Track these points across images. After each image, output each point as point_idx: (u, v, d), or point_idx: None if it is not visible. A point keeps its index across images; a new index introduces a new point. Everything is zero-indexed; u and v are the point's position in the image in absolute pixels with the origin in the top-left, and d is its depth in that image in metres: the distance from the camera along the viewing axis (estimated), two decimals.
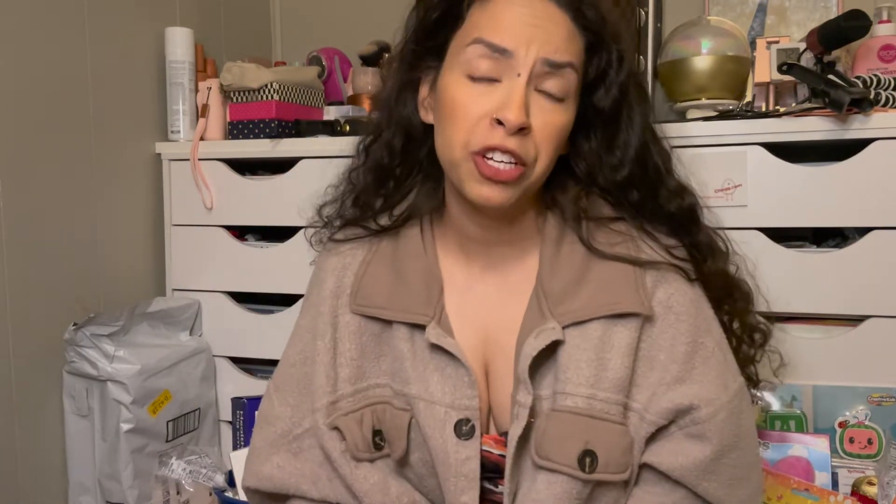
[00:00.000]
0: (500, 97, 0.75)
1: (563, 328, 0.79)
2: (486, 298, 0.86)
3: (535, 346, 0.78)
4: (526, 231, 0.86)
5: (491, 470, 0.82)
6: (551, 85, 0.76)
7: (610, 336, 0.79)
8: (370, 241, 0.90)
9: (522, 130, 0.75)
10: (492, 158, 0.76)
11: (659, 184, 0.85)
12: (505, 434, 0.82)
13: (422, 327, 0.82)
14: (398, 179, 0.89)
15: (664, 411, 0.79)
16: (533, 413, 0.78)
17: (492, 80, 0.76)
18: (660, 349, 0.81)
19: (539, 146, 0.77)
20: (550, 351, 0.79)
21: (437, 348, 0.81)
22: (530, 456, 0.78)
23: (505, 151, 0.75)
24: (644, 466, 0.81)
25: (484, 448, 0.81)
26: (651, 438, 0.80)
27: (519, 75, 0.75)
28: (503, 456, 0.81)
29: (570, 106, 0.79)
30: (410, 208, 0.89)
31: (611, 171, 0.84)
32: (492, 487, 0.83)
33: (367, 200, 0.90)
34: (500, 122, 0.75)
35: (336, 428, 0.84)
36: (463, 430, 0.79)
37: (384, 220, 0.89)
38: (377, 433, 0.84)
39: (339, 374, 0.85)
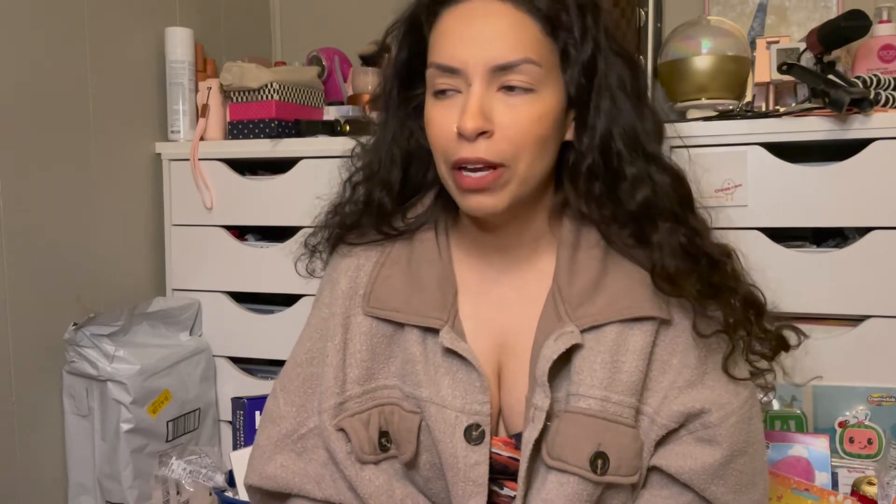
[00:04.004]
0: (459, 109, 0.76)
1: (581, 332, 0.79)
2: (501, 302, 0.86)
3: (555, 349, 0.78)
4: (539, 232, 0.85)
5: (498, 471, 0.82)
6: (512, 81, 0.75)
7: (625, 339, 0.79)
8: (383, 243, 0.89)
9: (484, 134, 0.75)
10: (467, 169, 0.76)
11: (619, 175, 0.79)
12: (514, 436, 0.82)
13: (435, 331, 0.82)
14: (399, 207, 0.89)
15: (675, 415, 0.79)
16: (548, 416, 0.78)
17: (454, 94, 0.77)
18: (673, 353, 0.80)
19: (514, 143, 0.75)
20: (566, 354, 0.79)
21: (450, 352, 0.81)
22: (542, 457, 0.78)
23: (475, 161, 0.75)
24: (652, 469, 0.81)
25: (493, 450, 0.81)
26: (660, 442, 0.80)
27: (471, 84, 0.75)
28: (512, 458, 0.81)
29: (543, 95, 0.76)
30: (426, 215, 0.89)
31: (579, 160, 0.81)
32: (496, 489, 0.83)
33: (364, 230, 0.90)
34: (461, 134, 0.75)
35: (342, 429, 0.84)
36: (473, 434, 0.79)
37: (398, 223, 0.89)
38: (383, 434, 0.84)
39: (347, 376, 0.85)
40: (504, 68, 0.74)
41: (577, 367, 0.79)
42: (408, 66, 0.83)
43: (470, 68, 0.75)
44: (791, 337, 0.85)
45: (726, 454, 0.79)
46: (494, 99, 0.75)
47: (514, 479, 0.81)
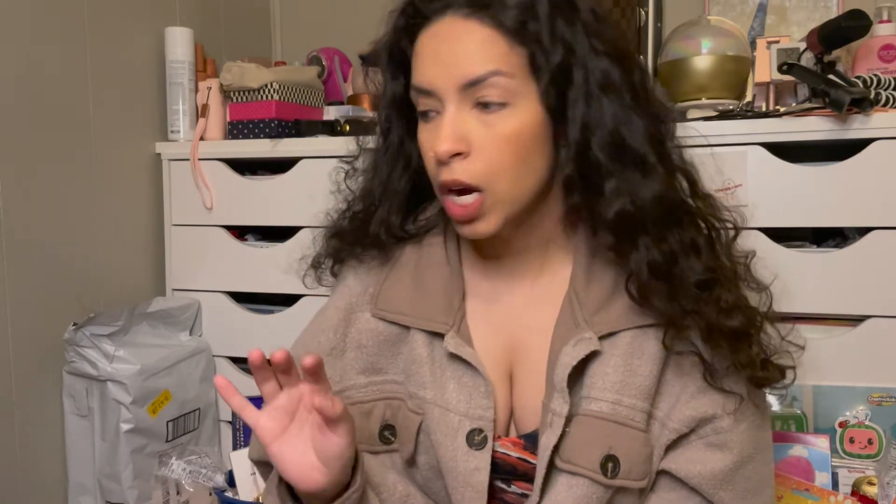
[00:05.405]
0: (435, 132, 0.76)
1: (599, 338, 0.79)
2: (513, 305, 0.85)
3: (574, 355, 0.77)
4: (550, 236, 0.84)
5: (507, 472, 0.82)
6: (485, 96, 0.74)
7: (640, 343, 0.79)
8: (392, 246, 0.89)
9: (459, 156, 0.75)
10: (453, 193, 0.77)
11: (597, 187, 0.76)
12: (524, 437, 0.82)
13: (441, 335, 0.82)
14: (404, 230, 0.89)
15: (686, 419, 0.78)
16: (567, 420, 0.77)
17: (435, 115, 0.77)
18: (686, 358, 0.80)
19: (491, 163, 0.75)
20: (582, 359, 0.79)
21: (455, 357, 0.81)
22: (553, 460, 0.78)
23: (453, 184, 0.75)
24: (661, 473, 0.80)
25: (502, 451, 0.81)
26: (671, 446, 0.80)
27: (445, 105, 0.75)
28: (521, 459, 0.81)
29: (520, 108, 0.75)
30: (434, 219, 0.89)
31: (558, 172, 0.79)
32: (504, 486, 0.83)
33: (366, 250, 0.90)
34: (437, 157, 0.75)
35: None
36: (475, 440, 0.79)
37: (408, 226, 0.89)
38: (387, 427, 0.84)
39: (347, 365, 0.86)
40: (473, 84, 0.73)
41: (591, 371, 0.79)
42: (399, 90, 0.83)
43: (441, 89, 0.75)
44: (787, 362, 0.82)
45: (736, 460, 0.78)
46: (470, 117, 0.75)
47: (522, 479, 0.81)
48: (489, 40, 0.74)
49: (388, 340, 0.86)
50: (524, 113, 0.75)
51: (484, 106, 0.74)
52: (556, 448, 0.77)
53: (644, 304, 0.77)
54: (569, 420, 0.78)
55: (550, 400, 0.78)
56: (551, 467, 0.78)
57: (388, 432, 0.84)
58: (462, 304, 0.84)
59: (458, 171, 0.75)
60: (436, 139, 0.75)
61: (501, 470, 0.81)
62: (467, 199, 0.76)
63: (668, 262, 0.76)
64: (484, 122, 0.75)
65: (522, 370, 0.84)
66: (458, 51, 0.74)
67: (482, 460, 0.79)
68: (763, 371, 0.79)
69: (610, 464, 0.76)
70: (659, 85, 1.52)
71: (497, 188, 0.75)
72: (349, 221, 0.90)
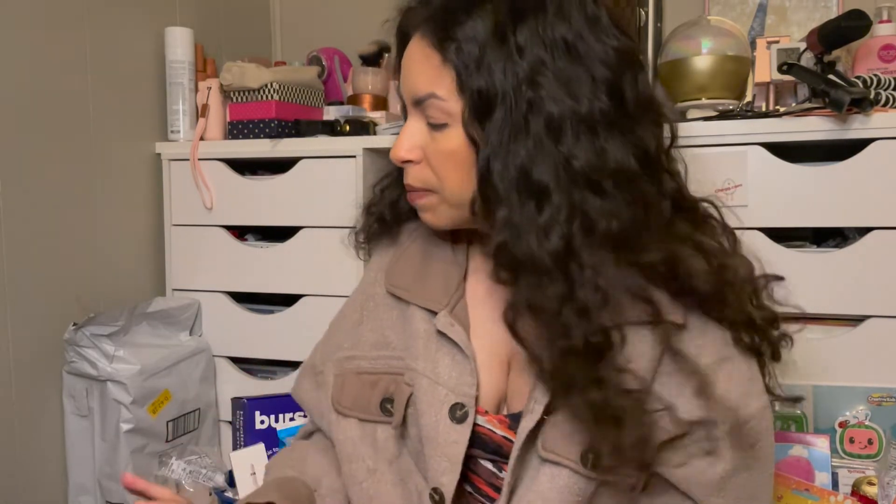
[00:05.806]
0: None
1: None
2: None
3: None
4: None
5: (492, 451, 0.83)
6: (429, 115, 0.79)
7: (636, 340, 0.78)
8: (414, 223, 0.94)
9: (410, 163, 0.82)
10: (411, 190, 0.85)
11: (491, 215, 0.76)
12: (510, 416, 0.83)
13: (436, 314, 0.85)
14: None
15: (680, 423, 0.78)
16: (549, 409, 0.78)
17: None
18: (685, 359, 0.79)
19: (437, 171, 0.81)
20: None
21: (444, 335, 0.84)
22: (537, 449, 0.79)
23: (406, 187, 0.84)
24: (652, 474, 0.80)
25: (487, 426, 0.82)
26: (662, 447, 0.79)
27: (409, 116, 0.83)
28: (506, 438, 0.82)
29: (456, 130, 0.77)
30: None
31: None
32: (495, 471, 0.84)
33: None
34: None
35: (341, 380, 0.91)
36: (457, 414, 0.81)
37: None
38: (388, 400, 0.87)
39: (362, 336, 0.92)
40: (418, 102, 0.80)
41: None
42: None
43: (406, 101, 0.83)
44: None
45: (729, 468, 0.78)
46: (424, 130, 0.81)
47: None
48: (432, 63, 0.78)
49: (397, 315, 0.90)
50: (458, 136, 0.78)
51: (429, 125, 0.80)
52: (540, 437, 0.78)
53: (518, 341, 0.76)
54: (552, 409, 0.78)
55: (535, 387, 0.79)
56: (530, 454, 0.79)
57: (388, 404, 0.87)
58: (461, 285, 0.87)
59: (410, 177, 0.83)
60: (393, 146, 0.82)
61: (487, 448, 0.83)
62: (418, 193, 0.84)
63: (546, 312, 0.73)
64: (431, 136, 0.80)
65: (519, 356, 0.84)
66: (410, 70, 0.81)
67: (462, 434, 0.81)
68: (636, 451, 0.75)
69: (591, 455, 0.76)
70: (659, 85, 1.52)
71: (443, 192, 0.82)
72: (376, 201, 0.97)
